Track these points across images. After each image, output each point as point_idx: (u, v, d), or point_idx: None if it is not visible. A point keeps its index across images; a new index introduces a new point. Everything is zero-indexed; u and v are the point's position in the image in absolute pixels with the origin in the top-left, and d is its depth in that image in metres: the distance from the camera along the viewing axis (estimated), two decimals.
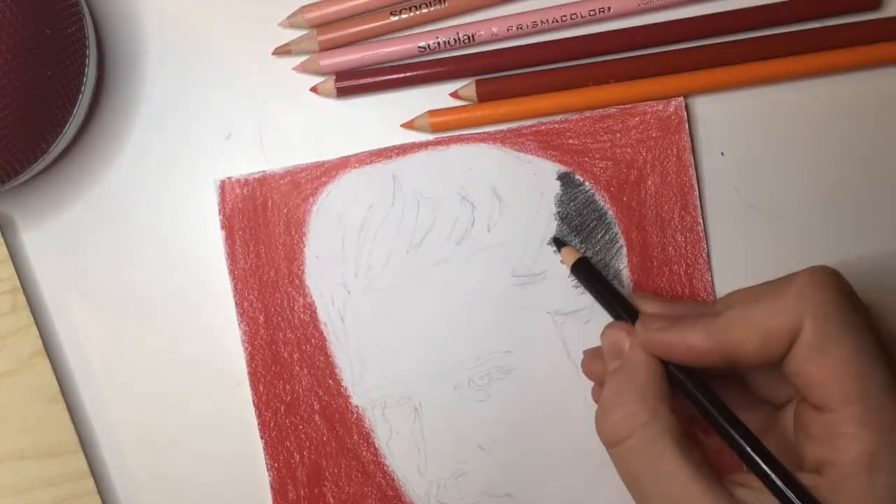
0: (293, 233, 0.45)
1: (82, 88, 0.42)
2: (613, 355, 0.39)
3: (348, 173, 0.45)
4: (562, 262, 0.45)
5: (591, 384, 0.44)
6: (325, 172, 0.45)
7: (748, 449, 0.35)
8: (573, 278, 0.44)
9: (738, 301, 0.36)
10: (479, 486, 0.45)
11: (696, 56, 0.45)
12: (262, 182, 0.45)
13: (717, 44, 0.45)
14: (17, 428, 0.45)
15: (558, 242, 0.45)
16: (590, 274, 0.43)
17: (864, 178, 0.46)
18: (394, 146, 0.45)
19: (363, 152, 0.45)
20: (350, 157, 0.45)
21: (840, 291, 0.35)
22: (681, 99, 0.45)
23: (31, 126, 0.40)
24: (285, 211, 0.45)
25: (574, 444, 0.45)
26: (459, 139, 0.45)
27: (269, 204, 0.45)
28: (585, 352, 0.44)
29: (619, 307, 0.41)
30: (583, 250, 0.45)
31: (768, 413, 0.40)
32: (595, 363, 0.42)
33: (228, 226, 0.45)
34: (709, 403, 0.37)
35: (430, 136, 0.46)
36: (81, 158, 0.46)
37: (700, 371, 0.38)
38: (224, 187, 0.45)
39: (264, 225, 0.45)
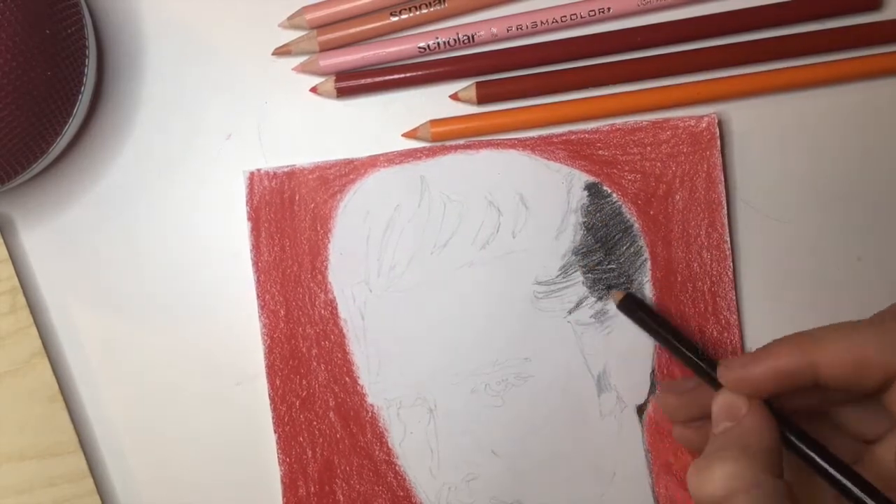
0: (319, 228, 0.45)
1: (82, 88, 0.42)
2: (725, 417, 0.37)
3: (377, 172, 0.45)
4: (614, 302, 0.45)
5: (606, 395, 0.44)
6: (353, 170, 0.45)
7: None
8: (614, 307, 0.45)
9: (835, 328, 0.36)
10: (490, 490, 0.45)
11: (696, 57, 0.45)
12: (291, 176, 0.45)
13: (717, 45, 0.45)
14: (17, 428, 0.45)
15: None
16: (643, 311, 0.43)
17: (886, 185, 0.46)
18: (423, 147, 0.45)
19: (392, 151, 0.45)
20: (379, 155, 0.45)
21: None
22: (714, 115, 0.45)
23: (31, 126, 0.40)
24: (312, 206, 0.45)
25: (588, 455, 0.45)
26: (490, 144, 0.45)
27: (297, 198, 0.45)
28: (664, 398, 0.42)
29: (676, 341, 0.41)
30: (606, 262, 0.45)
31: (857, 448, 0.39)
32: (687, 431, 0.41)
33: (255, 217, 0.45)
34: (831, 466, 0.35)
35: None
36: (81, 158, 0.46)
37: (799, 418, 0.37)
38: (253, 179, 0.45)
39: (290, 219, 0.45)
